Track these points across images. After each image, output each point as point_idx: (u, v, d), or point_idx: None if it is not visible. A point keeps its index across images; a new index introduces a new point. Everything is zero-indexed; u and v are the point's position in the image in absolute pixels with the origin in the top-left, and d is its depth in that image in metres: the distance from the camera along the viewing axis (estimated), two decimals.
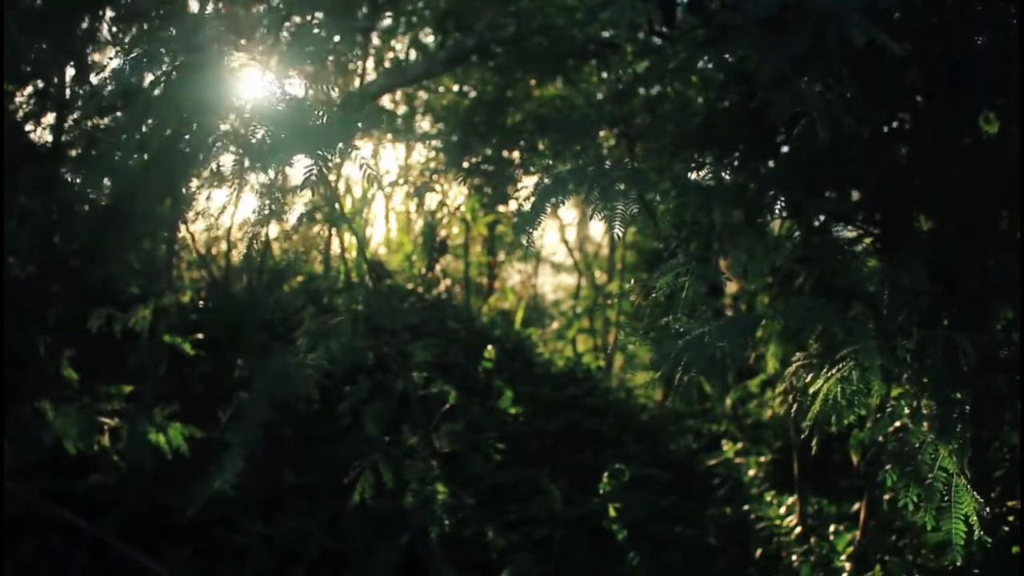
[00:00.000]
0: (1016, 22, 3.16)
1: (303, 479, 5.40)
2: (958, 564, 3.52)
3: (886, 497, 4.20)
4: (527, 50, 7.80)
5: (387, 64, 10.15)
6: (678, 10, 4.35)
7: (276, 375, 3.94)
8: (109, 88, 4.15)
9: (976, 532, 2.66)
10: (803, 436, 3.02)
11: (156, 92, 3.56)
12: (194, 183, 4.61)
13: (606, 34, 7.74)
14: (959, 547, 2.65)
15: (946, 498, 2.68)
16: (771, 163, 3.73)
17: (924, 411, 2.91)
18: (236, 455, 3.82)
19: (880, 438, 3.26)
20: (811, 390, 2.80)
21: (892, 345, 2.96)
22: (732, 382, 7.19)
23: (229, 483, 3.84)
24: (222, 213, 5.52)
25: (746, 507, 5.67)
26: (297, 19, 5.07)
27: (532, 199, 3.12)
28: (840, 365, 2.70)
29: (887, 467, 2.98)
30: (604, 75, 8.37)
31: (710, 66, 4.28)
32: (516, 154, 9.41)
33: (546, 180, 3.18)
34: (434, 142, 10.58)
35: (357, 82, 9.32)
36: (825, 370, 2.77)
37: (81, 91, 5.02)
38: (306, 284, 7.97)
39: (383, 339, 4.43)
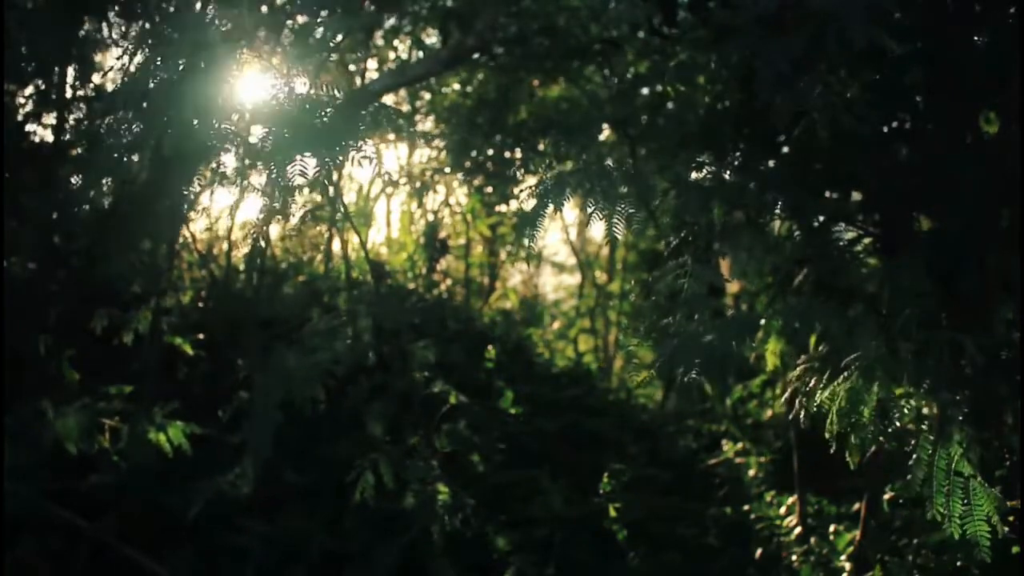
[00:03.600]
0: (1016, 22, 3.16)
1: (303, 479, 5.40)
2: (958, 564, 3.53)
3: (886, 497, 4.21)
4: (529, 50, 7.80)
5: (390, 64, 10.15)
6: (679, 10, 4.36)
7: (281, 375, 3.94)
8: (112, 88, 4.15)
9: (1000, 530, 2.63)
10: (824, 438, 3.01)
11: (159, 93, 3.55)
12: (196, 183, 4.61)
13: (607, 34, 7.75)
14: (985, 548, 2.61)
15: (966, 502, 2.65)
16: (771, 163, 3.73)
17: (924, 411, 2.90)
18: (251, 456, 3.81)
19: (881, 438, 3.25)
20: (819, 397, 2.79)
21: (893, 347, 2.96)
22: (732, 382, 7.18)
23: (248, 485, 3.83)
24: (224, 213, 5.51)
25: (746, 507, 5.68)
26: (301, 19, 5.07)
27: (534, 200, 3.12)
28: (845, 373, 2.70)
29: (907, 476, 2.97)
30: (606, 73, 8.37)
31: (711, 66, 4.28)
32: (518, 154, 9.41)
33: (547, 181, 3.17)
34: (436, 142, 10.58)
35: (359, 81, 9.32)
36: (828, 376, 2.77)
37: (83, 91, 5.03)
38: (307, 284, 7.97)
39: (385, 339, 4.43)
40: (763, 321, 3.38)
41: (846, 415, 2.68)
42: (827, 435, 2.85)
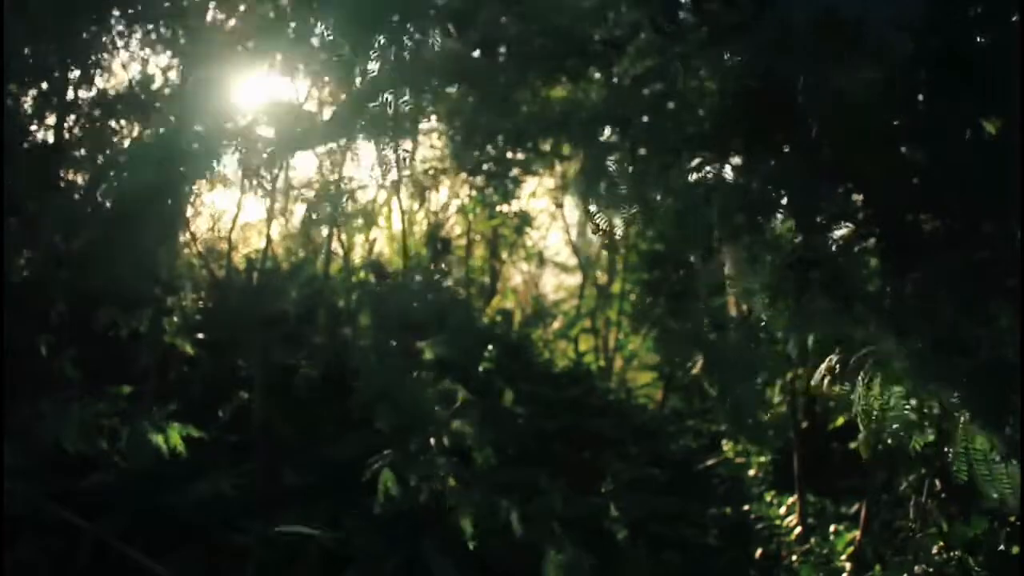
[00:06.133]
0: (1016, 22, 3.16)
1: (303, 479, 5.39)
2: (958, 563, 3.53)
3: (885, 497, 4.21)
4: (531, 50, 7.77)
5: (391, 63, 10.09)
6: (679, 10, 4.36)
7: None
8: (115, 91, 4.14)
9: None
10: (825, 438, 3.03)
11: (163, 94, 3.56)
12: (199, 184, 4.61)
13: (608, 34, 7.72)
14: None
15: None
16: (772, 163, 3.72)
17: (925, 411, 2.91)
18: None
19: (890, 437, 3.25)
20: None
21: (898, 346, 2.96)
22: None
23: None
24: (225, 214, 5.50)
25: (746, 507, 5.67)
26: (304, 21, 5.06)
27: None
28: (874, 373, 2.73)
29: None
30: (611, 73, 8.32)
31: (712, 67, 4.27)
32: (519, 154, 9.38)
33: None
34: (438, 142, 10.55)
35: (361, 81, 9.27)
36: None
37: (86, 93, 5.03)
38: (309, 284, 7.94)
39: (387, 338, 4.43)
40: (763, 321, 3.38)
41: (868, 411, 2.70)
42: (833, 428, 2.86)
